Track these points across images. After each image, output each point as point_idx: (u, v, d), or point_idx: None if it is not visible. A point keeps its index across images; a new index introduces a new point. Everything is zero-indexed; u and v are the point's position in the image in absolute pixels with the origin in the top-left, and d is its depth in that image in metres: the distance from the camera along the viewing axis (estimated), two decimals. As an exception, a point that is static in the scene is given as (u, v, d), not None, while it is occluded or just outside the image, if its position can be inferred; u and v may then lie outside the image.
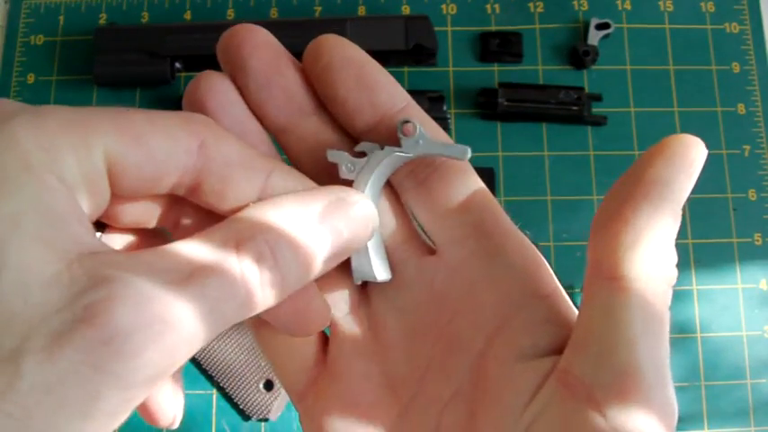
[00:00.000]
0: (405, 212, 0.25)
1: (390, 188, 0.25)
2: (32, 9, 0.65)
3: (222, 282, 0.19)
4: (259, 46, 0.24)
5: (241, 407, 0.55)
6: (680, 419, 0.57)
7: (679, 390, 0.56)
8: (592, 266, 0.21)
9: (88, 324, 0.17)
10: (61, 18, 0.65)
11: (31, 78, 0.63)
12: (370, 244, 0.24)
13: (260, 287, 0.20)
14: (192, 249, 0.20)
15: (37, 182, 0.18)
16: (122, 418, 0.18)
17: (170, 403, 0.24)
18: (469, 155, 0.23)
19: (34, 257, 0.17)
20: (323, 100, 0.24)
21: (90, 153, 0.19)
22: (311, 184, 0.23)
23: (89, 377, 0.17)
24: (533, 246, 0.24)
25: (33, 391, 0.17)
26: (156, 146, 0.20)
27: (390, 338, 0.24)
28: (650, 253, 0.20)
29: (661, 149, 0.20)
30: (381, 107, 0.24)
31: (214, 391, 0.56)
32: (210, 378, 0.56)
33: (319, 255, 0.21)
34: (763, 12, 0.63)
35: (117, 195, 0.21)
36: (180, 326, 0.18)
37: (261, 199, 0.22)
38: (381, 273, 0.24)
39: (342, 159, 0.23)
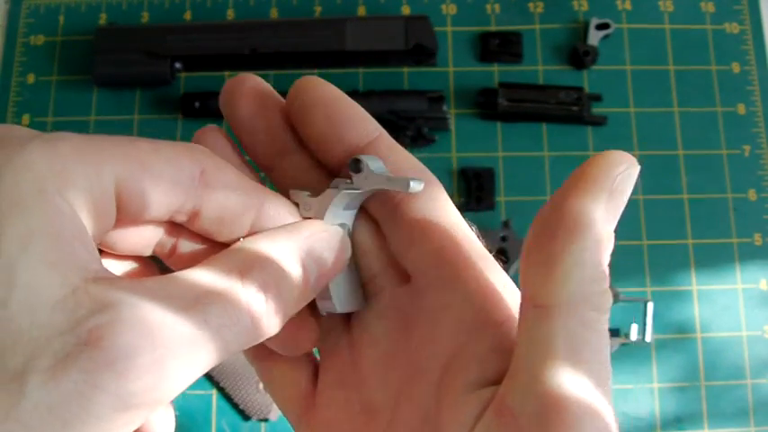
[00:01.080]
0: (384, 241, 0.26)
1: (370, 217, 0.26)
2: (32, 9, 0.65)
3: (226, 308, 0.20)
4: (246, 94, 0.25)
5: (241, 407, 0.55)
6: (680, 419, 0.58)
7: (679, 390, 0.56)
8: (522, 295, 0.21)
9: (92, 346, 0.17)
10: (61, 18, 0.65)
11: (31, 78, 0.63)
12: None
13: (265, 315, 0.21)
14: (196, 278, 0.20)
15: (48, 205, 0.19)
16: None
17: (161, 422, 0.25)
18: (417, 188, 0.23)
19: (41, 280, 0.18)
20: (301, 138, 0.26)
21: (100, 179, 0.20)
22: (299, 215, 0.25)
23: (91, 398, 0.17)
24: (499, 271, 0.24)
25: (37, 411, 0.17)
26: (161, 173, 0.21)
27: (367, 366, 0.25)
28: (571, 280, 0.19)
29: (582, 174, 0.20)
30: (350, 142, 0.25)
31: (214, 391, 0.56)
32: (210, 378, 0.56)
33: (310, 281, 0.23)
34: (762, 12, 0.63)
35: (120, 220, 0.22)
36: (182, 351, 0.19)
37: (254, 227, 0.24)
38: (344, 304, 0.25)
39: (300, 198, 0.25)
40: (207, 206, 0.23)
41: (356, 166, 0.24)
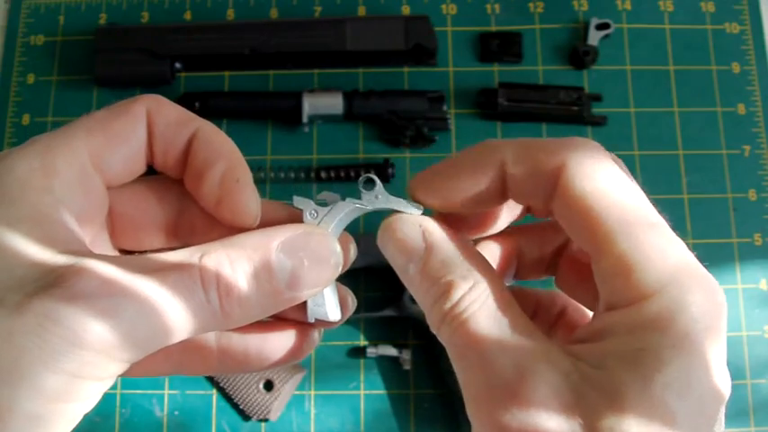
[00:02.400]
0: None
1: None
2: (32, 9, 0.65)
3: (181, 278, 0.22)
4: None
5: (241, 407, 0.55)
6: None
7: (679, 390, 0.56)
8: None
9: (56, 286, 0.20)
10: (61, 18, 0.65)
11: (30, 78, 0.63)
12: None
13: (222, 292, 0.23)
14: (161, 255, 0.23)
15: (31, 198, 0.22)
16: (82, 384, 0.20)
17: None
18: (421, 212, 0.25)
19: (25, 249, 0.21)
20: None
21: (77, 161, 0.24)
22: (231, 142, 0.27)
23: (50, 330, 0.19)
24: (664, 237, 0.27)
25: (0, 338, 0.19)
26: (118, 131, 0.25)
27: None
28: None
29: None
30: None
31: (214, 391, 0.56)
32: (210, 378, 0.56)
33: (280, 276, 0.24)
34: (763, 12, 0.63)
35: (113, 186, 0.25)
36: (137, 307, 0.21)
37: (192, 146, 0.26)
38: (336, 314, 0.27)
39: (306, 206, 0.26)
40: (154, 141, 0.26)
41: (369, 184, 0.26)
